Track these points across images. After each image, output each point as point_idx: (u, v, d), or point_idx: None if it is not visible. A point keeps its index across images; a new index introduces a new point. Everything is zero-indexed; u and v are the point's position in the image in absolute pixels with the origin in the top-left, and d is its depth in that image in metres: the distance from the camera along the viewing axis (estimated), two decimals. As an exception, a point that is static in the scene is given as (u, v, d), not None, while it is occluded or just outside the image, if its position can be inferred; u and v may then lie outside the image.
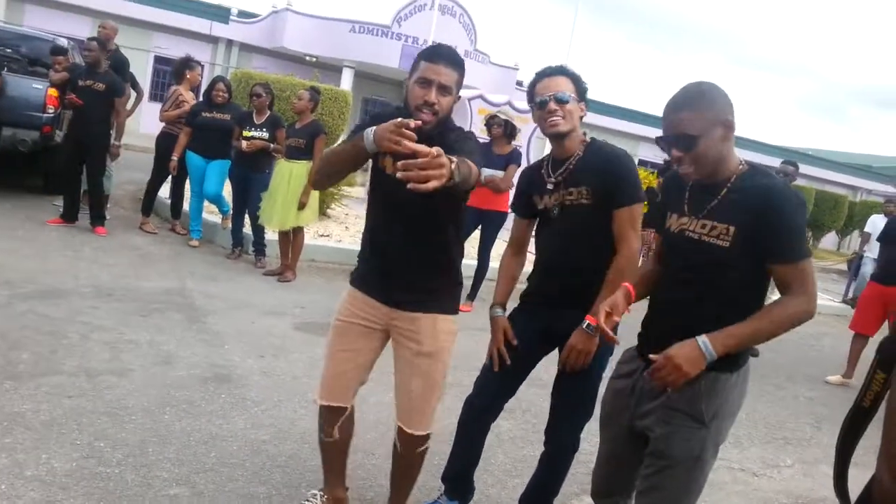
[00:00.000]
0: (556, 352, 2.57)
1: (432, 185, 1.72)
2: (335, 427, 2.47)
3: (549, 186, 2.52)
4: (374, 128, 2.00)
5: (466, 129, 2.37)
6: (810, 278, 1.87)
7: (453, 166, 1.78)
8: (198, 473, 2.81)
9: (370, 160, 2.25)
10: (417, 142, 1.95)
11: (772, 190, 1.85)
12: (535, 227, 2.69)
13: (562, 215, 2.50)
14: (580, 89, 2.48)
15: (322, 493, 2.61)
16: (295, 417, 3.44)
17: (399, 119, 1.94)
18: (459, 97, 2.31)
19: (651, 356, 1.91)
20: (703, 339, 1.83)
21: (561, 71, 2.49)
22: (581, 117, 2.49)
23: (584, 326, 2.38)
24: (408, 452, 2.47)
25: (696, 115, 1.87)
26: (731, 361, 1.99)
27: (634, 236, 2.43)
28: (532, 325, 2.58)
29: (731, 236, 1.88)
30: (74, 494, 2.53)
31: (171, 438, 3.04)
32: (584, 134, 2.54)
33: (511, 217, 2.92)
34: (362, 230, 2.52)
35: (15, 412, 3.03)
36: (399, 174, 1.73)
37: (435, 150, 1.74)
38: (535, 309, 2.60)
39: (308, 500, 2.61)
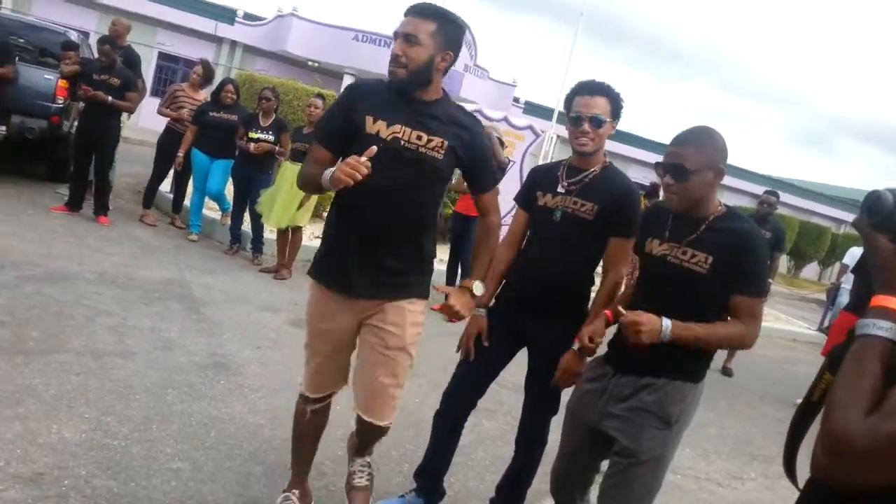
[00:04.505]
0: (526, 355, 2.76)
1: None
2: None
3: (561, 189, 2.61)
4: (331, 171, 2.12)
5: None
6: (759, 313, 2.19)
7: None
8: (198, 451, 3.00)
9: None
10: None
11: (749, 234, 2.17)
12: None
13: (563, 221, 2.58)
14: (616, 108, 2.55)
15: (292, 493, 2.65)
16: (289, 406, 3.54)
17: (351, 157, 2.06)
18: (450, 54, 2.26)
19: (623, 314, 2.17)
20: (667, 321, 2.11)
21: (602, 90, 2.53)
22: (610, 133, 2.59)
23: (577, 349, 2.49)
24: (368, 440, 2.56)
25: (696, 152, 2.13)
26: (695, 374, 2.28)
27: (623, 267, 2.58)
28: (506, 327, 2.70)
29: (708, 265, 2.16)
30: (84, 462, 2.71)
31: (173, 418, 3.23)
32: (605, 155, 2.65)
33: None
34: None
35: (26, 385, 3.21)
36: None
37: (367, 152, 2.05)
38: (511, 312, 2.71)
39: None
